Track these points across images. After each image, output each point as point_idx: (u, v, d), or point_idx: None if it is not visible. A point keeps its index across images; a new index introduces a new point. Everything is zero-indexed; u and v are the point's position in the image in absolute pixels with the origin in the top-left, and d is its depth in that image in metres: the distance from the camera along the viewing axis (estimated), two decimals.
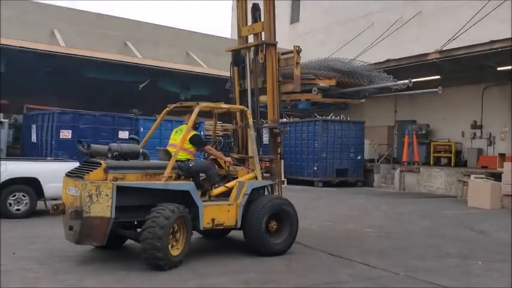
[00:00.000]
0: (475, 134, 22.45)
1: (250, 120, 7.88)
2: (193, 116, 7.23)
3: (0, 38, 17.93)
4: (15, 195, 9.98)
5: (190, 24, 77.76)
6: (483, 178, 15.63)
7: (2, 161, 10.28)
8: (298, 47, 8.11)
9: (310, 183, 20.94)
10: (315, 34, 30.99)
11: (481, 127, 22.30)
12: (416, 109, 24.17)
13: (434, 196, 18.20)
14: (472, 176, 16.07)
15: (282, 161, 21.26)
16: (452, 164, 22.03)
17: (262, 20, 8.22)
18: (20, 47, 18.40)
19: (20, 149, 19.36)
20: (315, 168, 21.02)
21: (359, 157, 21.97)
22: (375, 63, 20.80)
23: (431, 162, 22.74)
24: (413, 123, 24.30)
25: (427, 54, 19.11)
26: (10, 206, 9.95)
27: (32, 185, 10.16)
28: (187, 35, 28.43)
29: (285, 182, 21.22)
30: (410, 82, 9.08)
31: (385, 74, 9.66)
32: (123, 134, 16.55)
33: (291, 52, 8.14)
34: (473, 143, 22.46)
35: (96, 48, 21.83)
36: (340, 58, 10.21)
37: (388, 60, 20.52)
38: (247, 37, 8.67)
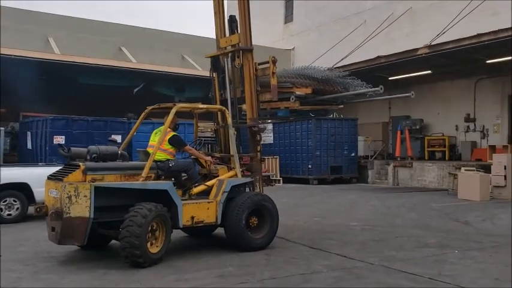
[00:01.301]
0: (468, 127, 22.49)
1: (229, 120, 8.08)
2: (170, 116, 7.43)
3: None
4: (6, 201, 10.22)
5: (185, 27, 77.94)
6: (473, 170, 15.77)
7: None
8: (274, 57, 8.42)
9: (306, 181, 21.14)
10: (309, 33, 31.25)
11: (474, 120, 22.36)
12: (410, 105, 24.20)
13: (426, 190, 18.34)
14: (462, 169, 16.21)
15: (277, 160, 21.78)
16: (447, 158, 22.11)
17: (239, 31, 8.46)
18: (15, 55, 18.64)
19: (17, 156, 19.60)
20: (310, 166, 21.20)
21: (353, 154, 22.12)
22: (366, 61, 21.09)
23: (426, 157, 22.84)
24: (407, 118, 24.45)
25: (416, 49, 19.24)
26: (1, 211, 10.19)
27: (23, 190, 10.38)
28: (181, 38, 28.56)
29: (281, 181, 21.50)
30: (381, 89, 9.32)
31: (359, 81, 9.96)
32: (116, 138, 16.69)
33: (268, 62, 8.42)
34: (467, 136, 22.54)
35: (90, 54, 22.06)
36: (316, 66, 10.50)
37: (378, 57, 20.69)
38: (225, 47, 8.93)
